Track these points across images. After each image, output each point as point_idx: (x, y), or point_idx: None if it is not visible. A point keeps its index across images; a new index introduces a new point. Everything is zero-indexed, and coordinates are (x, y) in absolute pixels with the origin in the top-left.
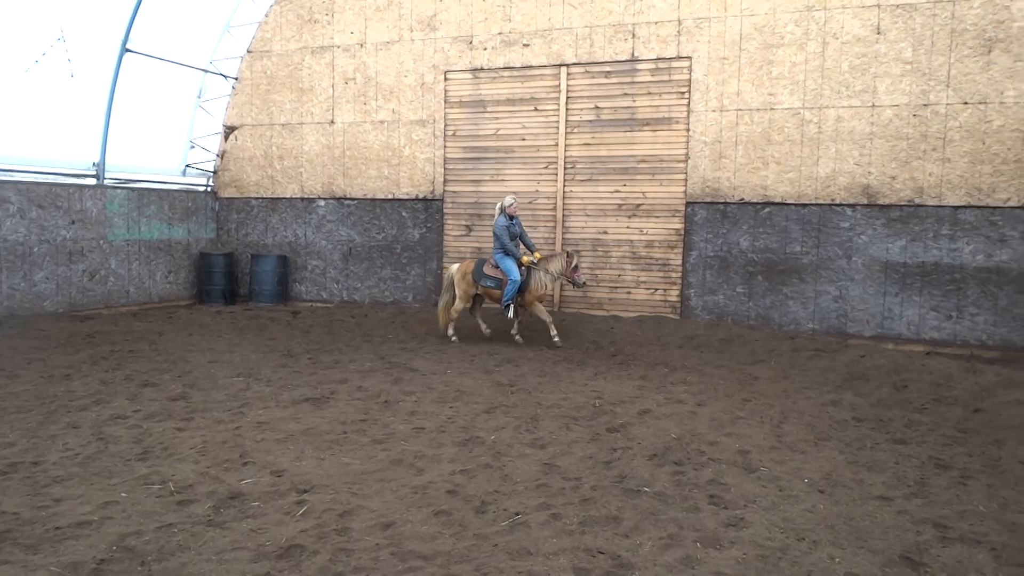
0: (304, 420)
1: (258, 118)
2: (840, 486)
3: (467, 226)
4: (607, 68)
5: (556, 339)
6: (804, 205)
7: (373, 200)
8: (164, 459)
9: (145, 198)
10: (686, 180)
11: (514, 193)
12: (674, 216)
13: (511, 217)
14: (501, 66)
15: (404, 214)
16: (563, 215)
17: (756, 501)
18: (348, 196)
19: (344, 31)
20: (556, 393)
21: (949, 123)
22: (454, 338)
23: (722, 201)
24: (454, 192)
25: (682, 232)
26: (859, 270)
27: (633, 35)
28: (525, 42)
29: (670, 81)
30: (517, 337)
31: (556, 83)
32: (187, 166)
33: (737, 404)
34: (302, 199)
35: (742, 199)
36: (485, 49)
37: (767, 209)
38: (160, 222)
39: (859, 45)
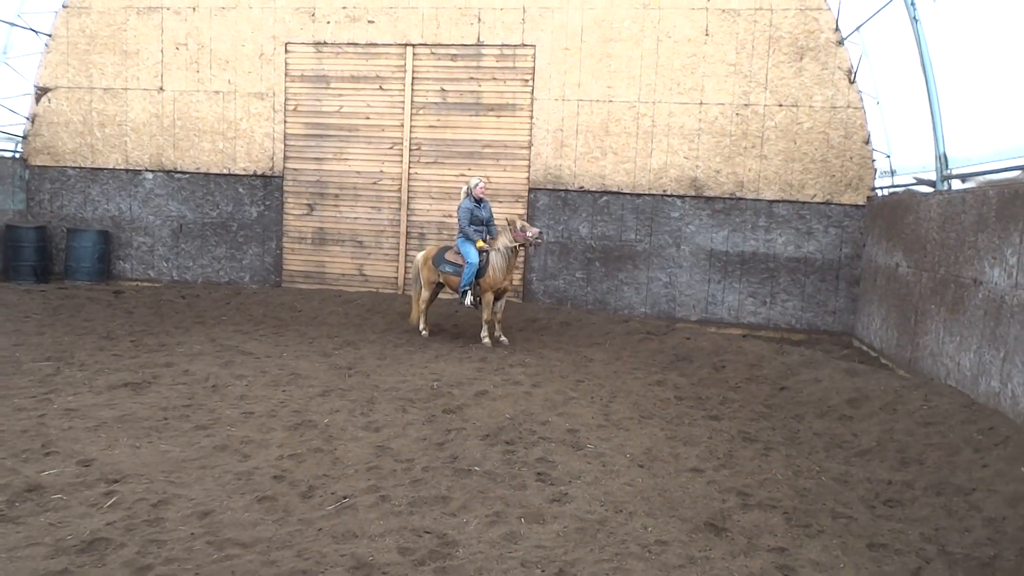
0: (120, 406)
1: (76, 80)
2: (658, 460)
3: (309, 205)
4: (453, 51)
5: (484, 339)
6: (639, 195)
7: (207, 175)
8: None
9: None
10: (529, 167)
11: (482, 177)
12: (517, 201)
13: (478, 200)
14: (345, 42)
15: (241, 190)
16: (408, 197)
17: (580, 477)
18: (179, 169)
19: None
20: (395, 376)
21: (766, 123)
22: (424, 332)
23: (563, 188)
24: (295, 169)
25: (525, 217)
26: (687, 258)
27: (479, 19)
28: (370, 18)
29: (515, 68)
30: (485, 339)
31: (402, 63)
32: None
33: (571, 385)
34: (127, 170)
35: (582, 187)
36: (328, 23)
37: (605, 198)
38: None
39: (690, 45)
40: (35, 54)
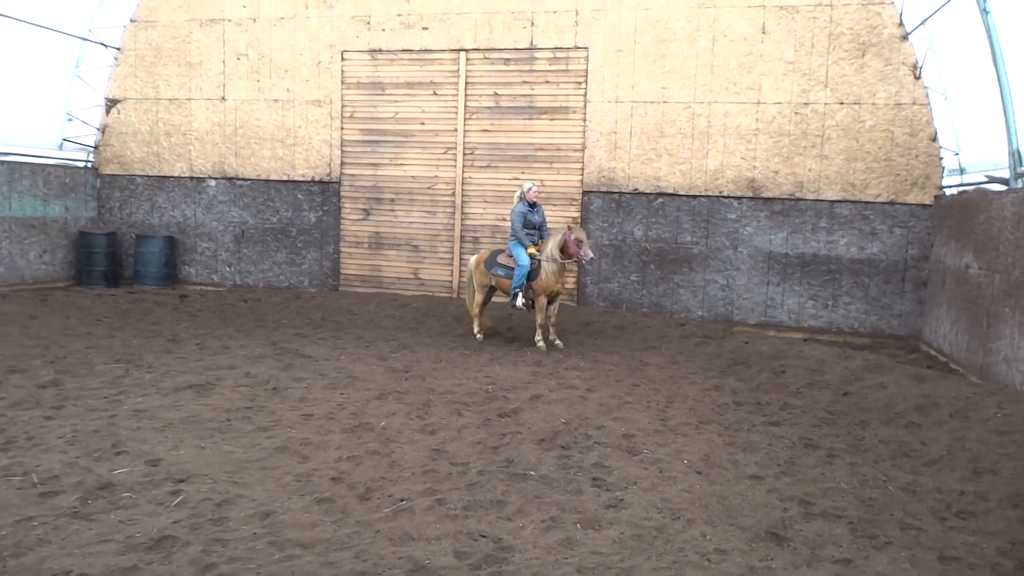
0: (186, 408)
1: (143, 91)
2: (716, 467)
3: (365, 210)
4: (506, 55)
5: (539, 343)
6: (694, 196)
7: (267, 181)
8: (28, 449)
9: (16, 172)
10: (582, 169)
11: (535, 181)
12: (571, 204)
13: (532, 205)
14: (400, 48)
15: (300, 196)
16: (462, 201)
17: (637, 483)
18: (240, 176)
19: (235, 4)
20: (450, 379)
21: (827, 121)
22: (479, 336)
23: (617, 191)
24: (352, 175)
25: (579, 220)
26: (745, 260)
27: (532, 23)
28: (424, 25)
29: (567, 71)
30: (540, 343)
31: (455, 68)
32: (64, 140)
33: (626, 389)
34: (191, 178)
35: (636, 189)
36: (383, 30)
37: (660, 199)
38: (34, 198)
39: (746, 44)
40: (105, 67)
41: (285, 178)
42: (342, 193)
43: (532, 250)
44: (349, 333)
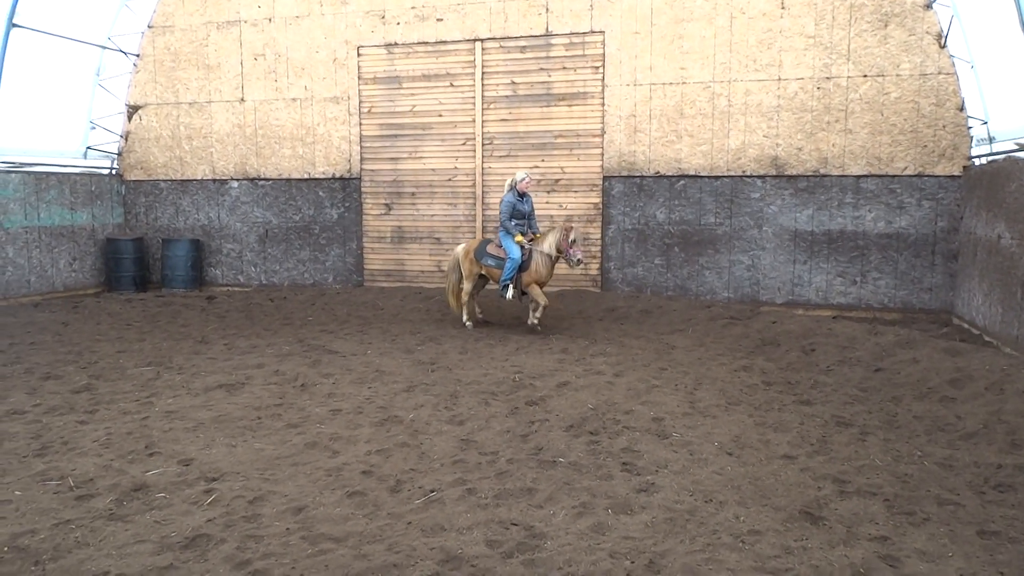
0: (216, 407)
1: (163, 96)
2: (747, 447)
3: (386, 204)
4: (522, 43)
5: (535, 322)
6: (717, 177)
7: (288, 180)
8: (64, 454)
9: (43, 182)
10: (603, 154)
11: (530, 171)
12: (592, 190)
13: (521, 195)
14: (415, 41)
15: (321, 194)
16: (483, 191)
17: (667, 466)
18: (262, 176)
19: (251, 4)
20: (477, 369)
21: (850, 95)
22: (468, 324)
23: (638, 174)
24: (372, 170)
25: (600, 206)
26: (770, 239)
27: (547, 9)
28: (439, 16)
29: (584, 56)
30: (536, 325)
31: (471, 58)
32: (88, 148)
33: (654, 373)
34: (214, 180)
35: (657, 172)
36: (398, 24)
37: (682, 182)
38: (61, 207)
39: (764, 20)
40: (125, 74)
41: (306, 176)
42: (363, 189)
43: (520, 238)
44: (375, 328)
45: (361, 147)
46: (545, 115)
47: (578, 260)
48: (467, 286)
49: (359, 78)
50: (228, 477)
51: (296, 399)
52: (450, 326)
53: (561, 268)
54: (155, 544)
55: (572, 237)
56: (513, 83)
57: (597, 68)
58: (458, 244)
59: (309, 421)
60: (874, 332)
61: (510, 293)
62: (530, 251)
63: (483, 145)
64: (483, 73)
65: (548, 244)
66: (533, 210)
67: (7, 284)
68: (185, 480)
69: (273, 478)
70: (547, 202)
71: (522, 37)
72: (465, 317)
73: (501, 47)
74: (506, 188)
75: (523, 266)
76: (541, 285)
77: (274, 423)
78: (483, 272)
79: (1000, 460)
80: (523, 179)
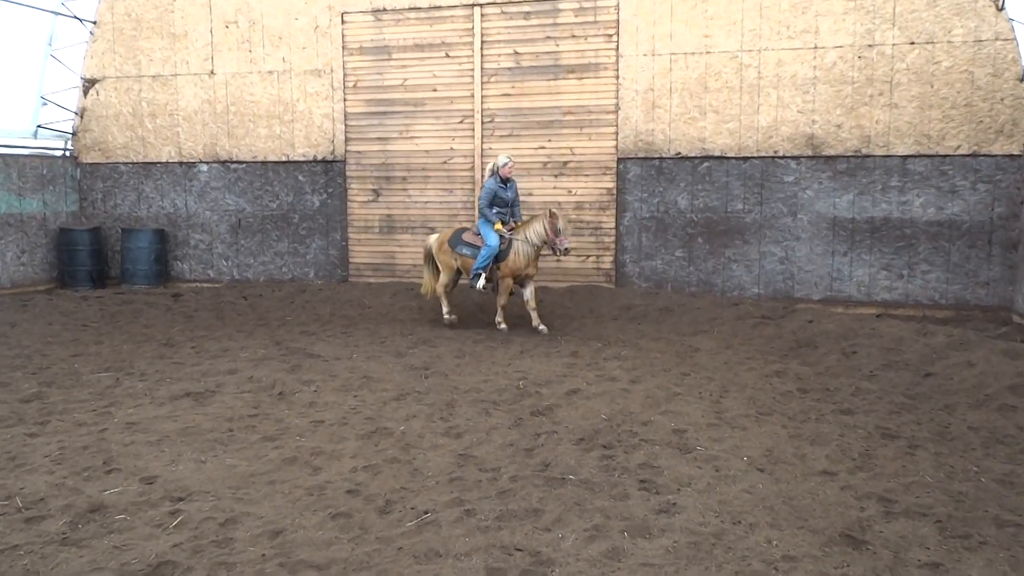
0: (183, 418)
1: (123, 69)
2: (781, 463)
3: (374, 190)
4: (526, 8)
5: (500, 325)
6: (745, 158)
7: (264, 163)
8: (11, 471)
9: None
10: (617, 133)
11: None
12: (605, 174)
13: (504, 181)
14: (406, 7)
15: (301, 178)
16: (482, 176)
17: (690, 484)
18: (235, 159)
19: None
20: (476, 375)
21: (896, 65)
22: (449, 317)
23: (657, 156)
24: (358, 152)
25: (614, 192)
26: (805, 228)
27: None
28: None
29: (596, 22)
30: (501, 325)
31: (469, 26)
32: (39, 126)
33: (675, 379)
34: (180, 163)
35: (678, 153)
36: None
37: (706, 164)
38: (8, 193)
39: None
40: (80, 44)
41: (284, 159)
42: (348, 173)
43: (499, 226)
44: (361, 328)
45: (346, 126)
46: (552, 89)
47: (565, 249)
48: (444, 278)
49: (343, 48)
50: (196, 497)
51: (273, 409)
52: (447, 327)
53: (571, 262)
54: (114, 572)
55: (559, 225)
56: (516, 53)
57: (610, 36)
58: (430, 235)
59: (288, 434)
60: (923, 332)
61: (481, 283)
62: (510, 240)
63: (483, 123)
64: (483, 42)
65: (531, 232)
66: (517, 197)
67: None
68: (148, 500)
69: (247, 498)
70: (555, 187)
71: (526, 2)
72: (445, 310)
73: (503, 13)
74: (487, 173)
75: (501, 256)
76: (525, 278)
77: (248, 436)
78: (459, 264)
79: None
80: (505, 164)
